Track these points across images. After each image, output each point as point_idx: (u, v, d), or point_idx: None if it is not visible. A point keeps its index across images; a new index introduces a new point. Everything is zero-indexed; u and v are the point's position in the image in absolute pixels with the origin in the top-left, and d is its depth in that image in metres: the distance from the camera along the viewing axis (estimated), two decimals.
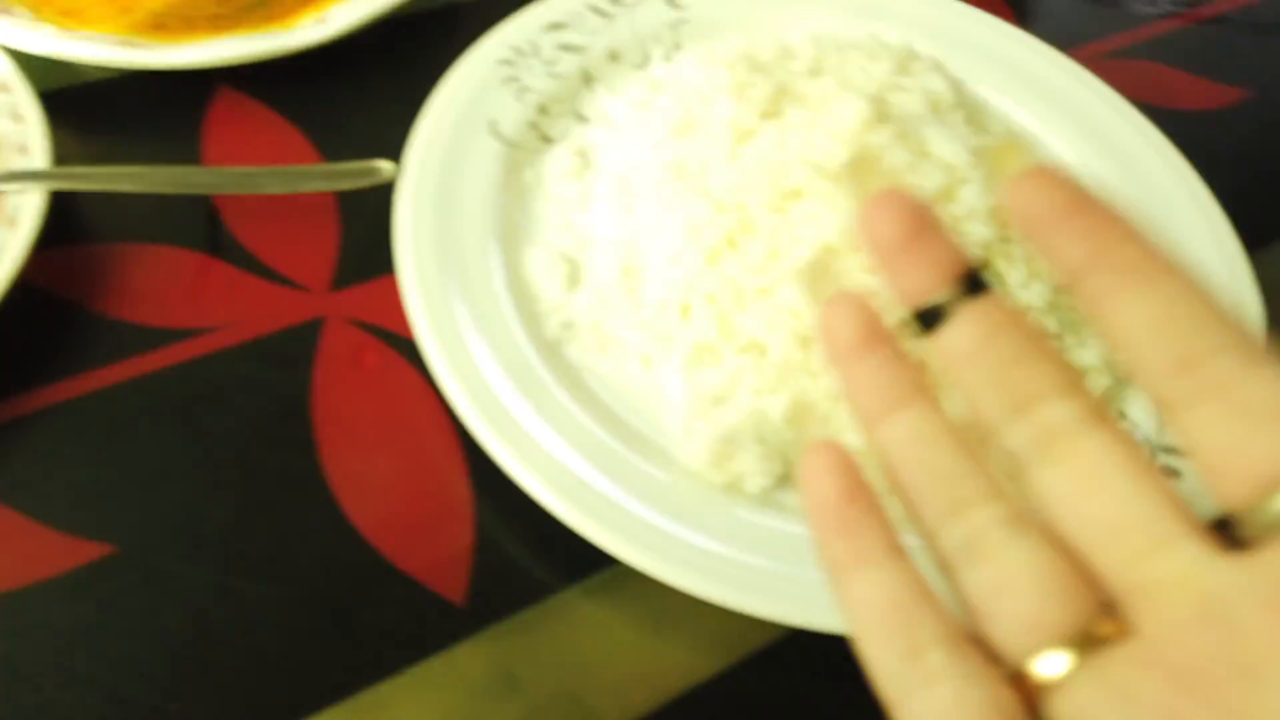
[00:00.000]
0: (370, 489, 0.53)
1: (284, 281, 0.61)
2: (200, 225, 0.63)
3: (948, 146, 0.57)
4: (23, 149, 0.59)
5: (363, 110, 0.71)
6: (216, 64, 0.67)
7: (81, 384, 0.55)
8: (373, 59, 0.74)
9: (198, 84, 0.70)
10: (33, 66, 0.63)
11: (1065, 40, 0.76)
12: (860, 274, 0.54)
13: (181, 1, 0.72)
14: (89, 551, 0.49)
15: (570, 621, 0.51)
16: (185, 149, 0.67)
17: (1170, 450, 0.56)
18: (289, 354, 0.58)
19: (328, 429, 0.55)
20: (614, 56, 0.70)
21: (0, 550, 0.49)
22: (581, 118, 0.68)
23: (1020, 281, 0.57)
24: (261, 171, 0.60)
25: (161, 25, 0.70)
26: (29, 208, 0.56)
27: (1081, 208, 0.25)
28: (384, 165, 0.60)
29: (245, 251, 0.62)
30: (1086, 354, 0.59)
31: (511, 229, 0.61)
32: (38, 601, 0.47)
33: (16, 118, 0.61)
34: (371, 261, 0.62)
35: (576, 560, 0.52)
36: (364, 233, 0.64)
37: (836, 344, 0.30)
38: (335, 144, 0.68)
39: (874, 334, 0.30)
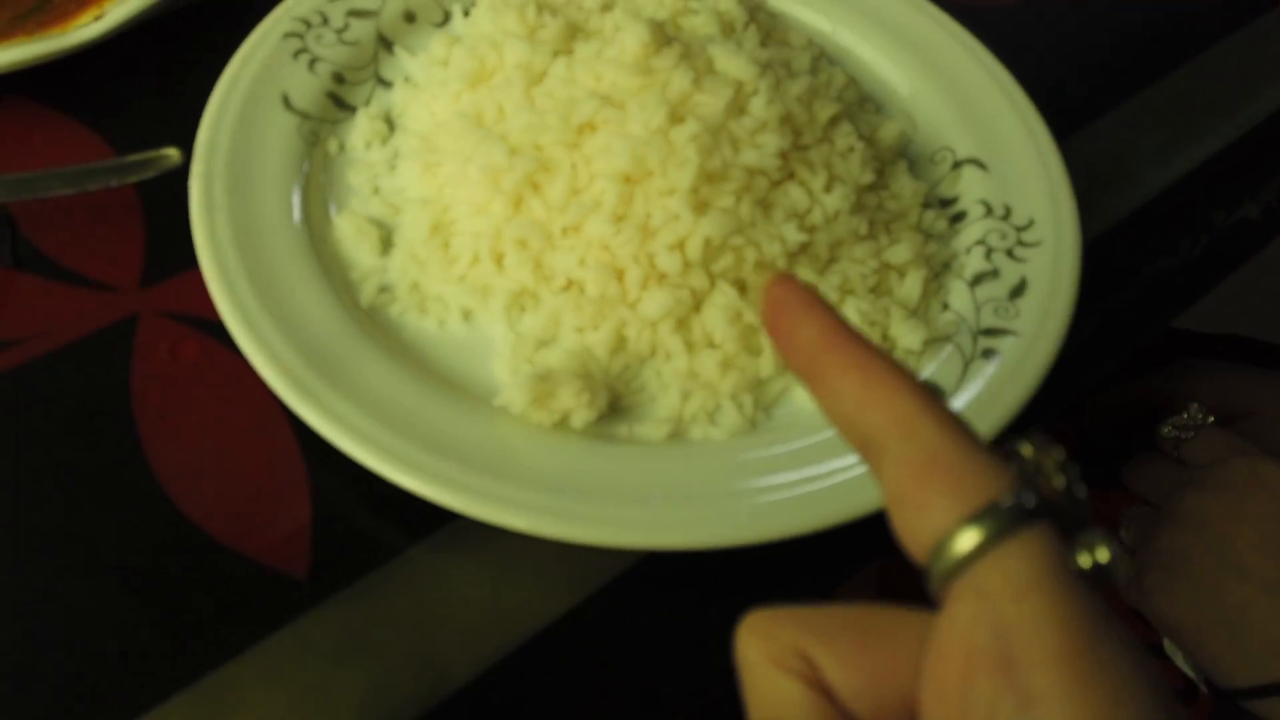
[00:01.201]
0: (200, 477, 0.53)
1: (92, 284, 0.59)
2: None
3: (733, 61, 0.58)
4: None
5: (153, 101, 0.69)
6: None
7: None
8: (159, 50, 0.72)
9: None
10: None
11: None
12: (661, 199, 0.55)
13: None
14: None
15: (415, 581, 0.51)
16: None
17: (990, 332, 0.59)
18: (103, 356, 0.57)
19: (150, 424, 0.54)
20: (409, 17, 0.69)
21: None
22: (383, 82, 0.67)
23: (822, 186, 0.59)
24: (48, 174, 0.58)
25: None
26: None
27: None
28: (171, 152, 0.59)
29: (48, 259, 0.60)
30: (901, 251, 0.61)
31: (320, 201, 0.60)
32: None
33: None
34: (181, 253, 0.61)
35: (416, 520, 0.52)
36: (169, 225, 0.62)
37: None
38: (129, 140, 0.67)
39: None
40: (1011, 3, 0.85)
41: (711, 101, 0.56)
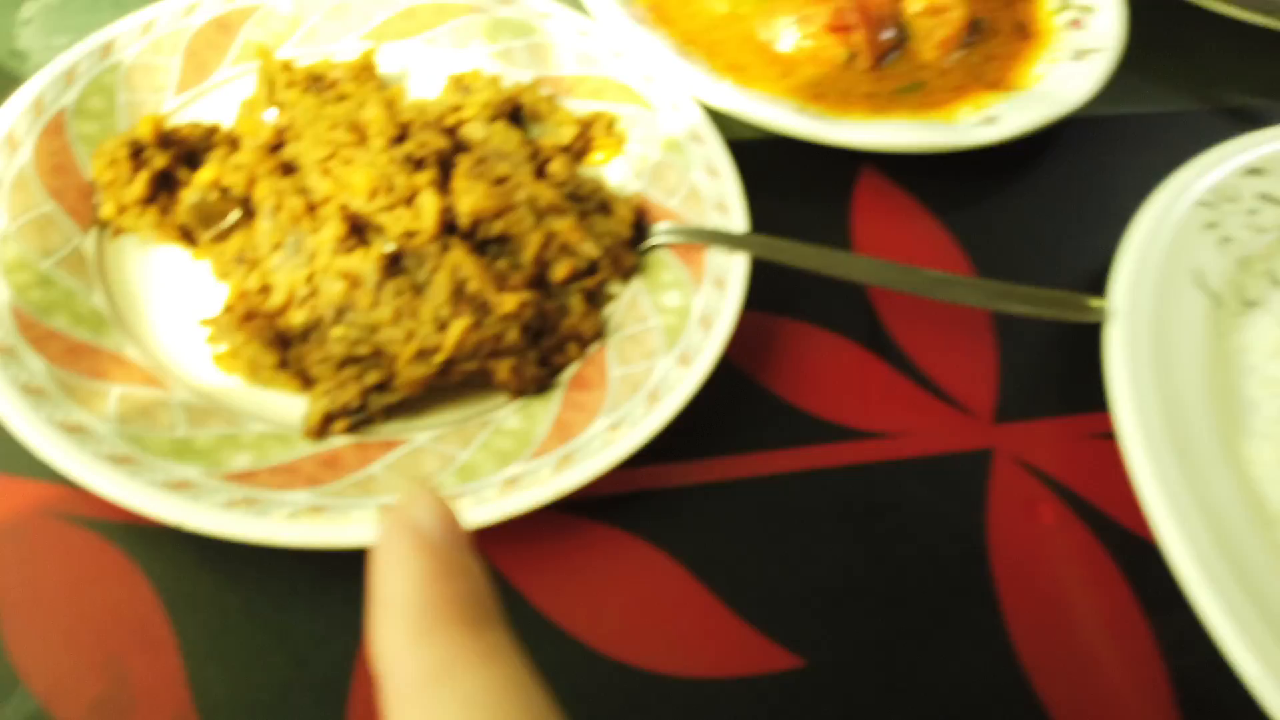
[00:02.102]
0: (1058, 660, 0.48)
1: (947, 400, 0.57)
2: (858, 314, 0.60)
3: None
4: (721, 206, 0.58)
5: (1013, 218, 0.67)
6: (886, 149, 0.64)
7: (757, 463, 0.53)
8: (1021, 162, 0.69)
9: (844, 160, 0.68)
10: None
11: None
12: None
13: (837, 74, 0.70)
14: (780, 660, 0.46)
15: None
16: (835, 225, 0.65)
17: None
18: (959, 484, 0.53)
19: (1009, 582, 0.50)
20: None
21: (701, 632, 0.46)
22: (1278, 282, 0.60)
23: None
24: (959, 281, 0.56)
25: (820, 95, 0.69)
26: (736, 271, 0.55)
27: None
28: (1094, 302, 0.54)
29: (904, 355, 0.58)
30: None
31: (1224, 406, 0.54)
32: (724, 696, 0.45)
33: (711, 171, 0.60)
34: (1034, 398, 0.57)
35: None
36: (1024, 362, 0.59)
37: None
38: (983, 250, 0.64)
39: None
40: None
41: None
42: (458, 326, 0.48)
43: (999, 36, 0.76)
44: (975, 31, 0.75)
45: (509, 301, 0.49)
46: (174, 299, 0.52)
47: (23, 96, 0.55)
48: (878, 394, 0.57)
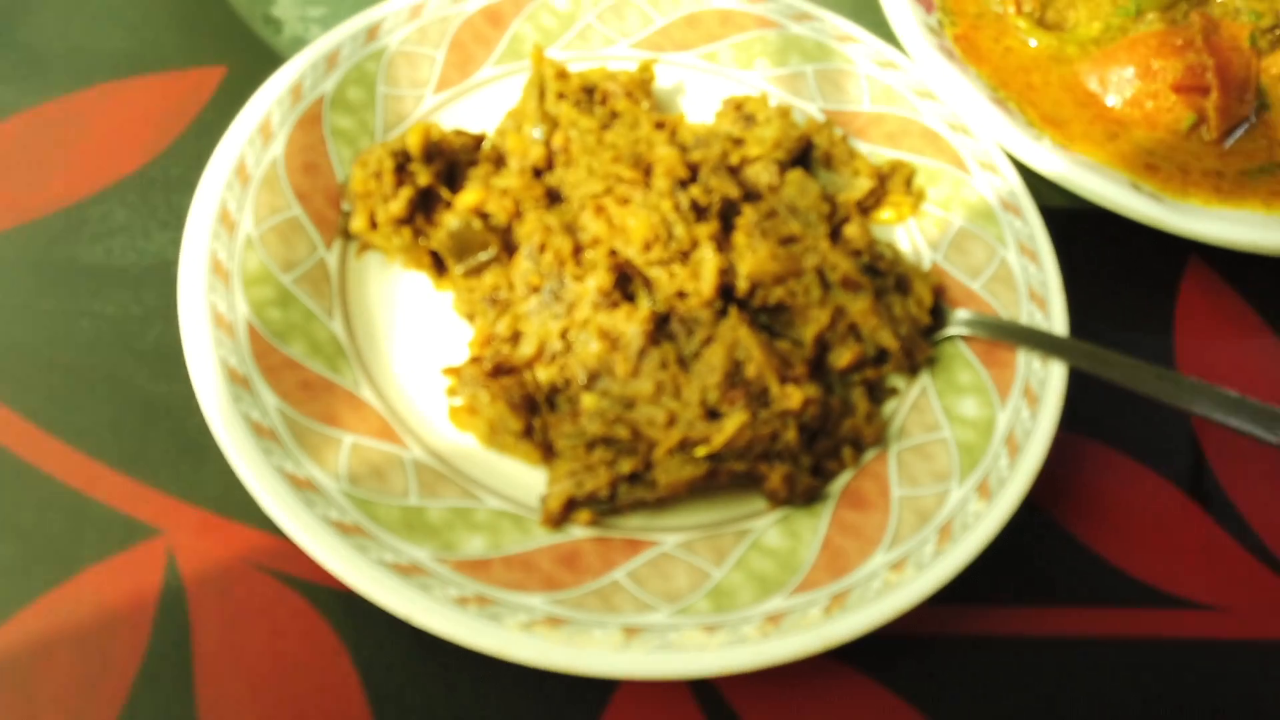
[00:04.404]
0: None
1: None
2: (1179, 448, 0.50)
3: None
4: (1036, 298, 0.49)
5: None
6: (1236, 247, 0.53)
7: (1041, 620, 0.44)
8: None
9: (1169, 245, 0.58)
10: None
11: None
12: None
13: (1176, 143, 0.59)
14: None
15: None
16: (1154, 321, 0.55)
17: None
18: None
19: None
20: None
21: None
22: None
23: None
24: None
25: (1152, 166, 0.58)
26: (1053, 386, 0.46)
27: None
28: None
29: (1232, 508, 0.48)
30: None
31: None
32: None
33: (1028, 253, 0.51)
34: None
35: None
36: None
37: None
38: None
39: None
40: None
41: None
42: (734, 421, 0.41)
43: None
44: None
45: (794, 396, 0.42)
46: (414, 333, 0.47)
47: (282, 78, 0.51)
48: (1196, 553, 0.47)
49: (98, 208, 0.52)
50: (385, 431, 0.43)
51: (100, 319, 0.48)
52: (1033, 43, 0.64)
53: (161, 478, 0.43)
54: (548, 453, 0.43)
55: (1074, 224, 0.58)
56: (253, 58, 0.59)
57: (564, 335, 0.45)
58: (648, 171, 0.47)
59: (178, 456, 0.44)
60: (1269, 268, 0.57)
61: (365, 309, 0.47)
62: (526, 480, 0.43)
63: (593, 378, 0.44)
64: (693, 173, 0.48)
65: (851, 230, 0.49)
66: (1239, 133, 0.61)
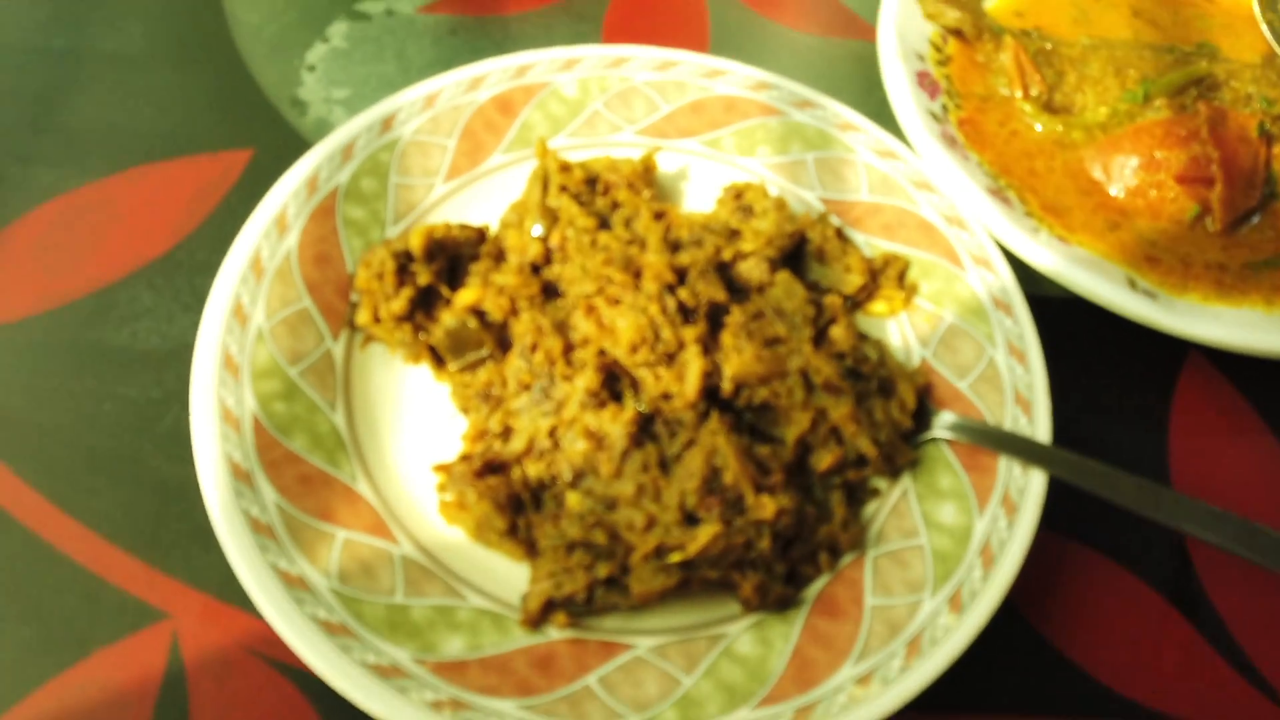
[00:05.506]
0: None
1: (1267, 691, 0.46)
2: (1167, 556, 0.50)
3: None
4: (1022, 401, 0.50)
5: None
6: (1232, 349, 0.53)
7: None
8: None
9: (1168, 340, 0.58)
10: None
11: None
12: None
13: (1179, 233, 0.59)
14: None
15: None
16: (1148, 421, 0.55)
17: None
18: None
19: None
20: None
21: None
22: None
23: None
24: None
25: (1153, 258, 0.58)
26: (1032, 495, 0.46)
27: None
28: None
29: (1218, 621, 0.48)
30: None
31: None
32: None
33: (1016, 354, 0.51)
34: None
35: None
36: None
37: None
38: None
39: None
40: None
41: None
42: (707, 531, 0.43)
43: None
44: None
45: (768, 506, 0.44)
46: (415, 424, 0.49)
47: (299, 170, 0.54)
48: (1178, 665, 0.47)
49: (126, 291, 0.55)
50: (378, 526, 0.45)
51: (124, 401, 0.51)
52: (1038, 127, 0.64)
53: (171, 561, 0.46)
54: (531, 550, 0.45)
55: (1072, 313, 0.59)
56: (279, 140, 0.62)
57: (552, 433, 0.47)
58: (638, 274, 0.49)
59: (188, 540, 0.47)
60: (1272, 365, 0.57)
61: (368, 400, 0.50)
62: (511, 576, 0.45)
63: (578, 476, 0.46)
64: (681, 276, 0.49)
65: (837, 332, 0.50)
66: (1249, 222, 0.61)
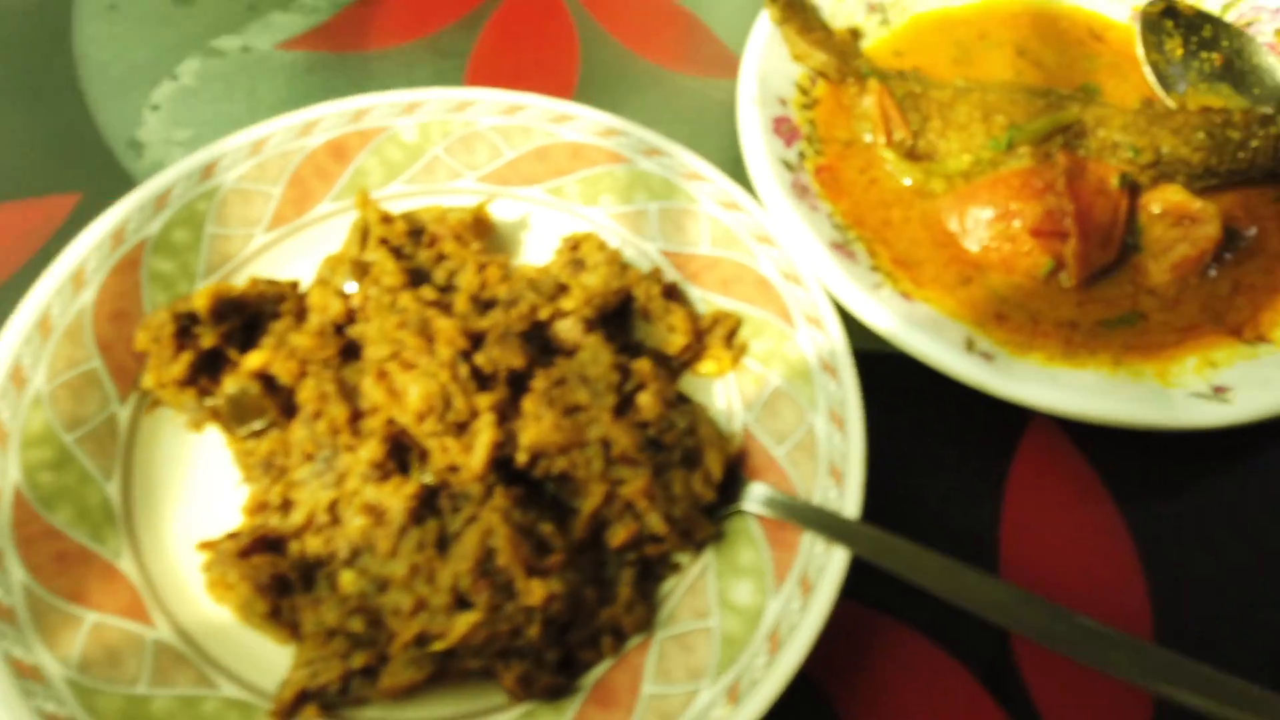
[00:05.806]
0: None
1: None
2: (984, 637, 0.48)
3: None
4: (835, 473, 0.47)
5: (1211, 528, 0.52)
6: (1071, 417, 0.51)
7: None
8: (1242, 451, 0.55)
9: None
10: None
11: None
12: None
13: (1032, 288, 0.57)
14: None
15: None
16: (984, 482, 0.53)
17: None
18: None
19: None
20: None
21: None
22: None
23: None
24: (1119, 641, 0.43)
25: (1002, 315, 0.56)
26: (829, 578, 0.44)
27: None
28: None
29: (1035, 712, 0.46)
30: None
31: None
32: None
33: (836, 420, 0.49)
34: None
35: None
36: None
37: None
38: (1163, 560, 0.50)
39: None
40: None
41: None
42: (465, 620, 0.41)
43: (1260, 258, 0.60)
44: (1230, 246, 0.60)
45: (536, 591, 0.41)
46: (201, 494, 0.47)
47: (105, 222, 0.52)
48: None
49: None
50: (134, 608, 0.43)
51: None
52: (906, 179, 0.62)
53: None
54: (295, 633, 0.43)
55: (918, 370, 0.56)
56: (110, 184, 0.60)
57: (332, 507, 0.45)
58: (433, 338, 0.47)
59: None
60: (1117, 432, 0.55)
61: (152, 467, 0.48)
62: (275, 660, 0.43)
63: (355, 554, 0.44)
64: (479, 340, 0.47)
65: (644, 399, 0.48)
66: (1106, 276, 0.58)
